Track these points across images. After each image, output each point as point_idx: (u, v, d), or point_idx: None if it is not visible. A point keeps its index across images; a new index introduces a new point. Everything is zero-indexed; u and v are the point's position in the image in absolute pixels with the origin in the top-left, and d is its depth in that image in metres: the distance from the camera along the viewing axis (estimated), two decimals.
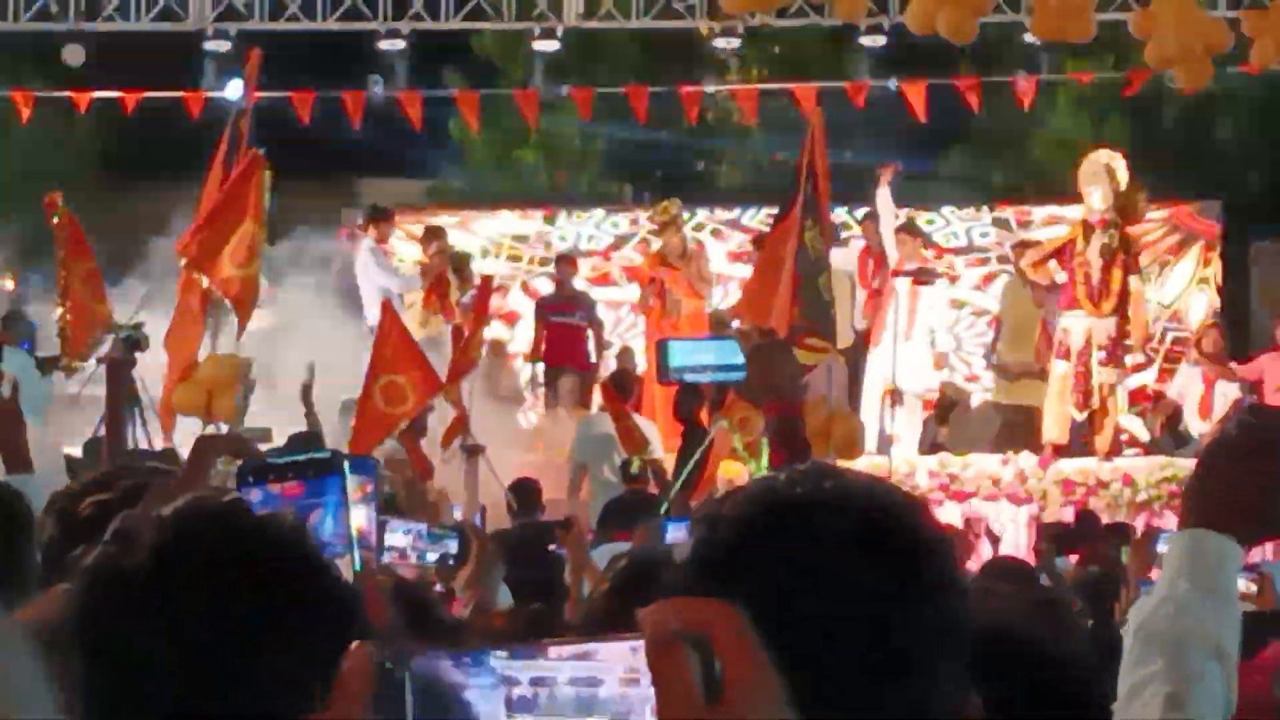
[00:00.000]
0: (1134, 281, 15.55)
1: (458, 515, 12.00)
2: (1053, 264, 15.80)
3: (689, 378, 15.02)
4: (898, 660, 1.70)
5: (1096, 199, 15.43)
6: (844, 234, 18.23)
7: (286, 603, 1.83)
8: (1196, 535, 2.52)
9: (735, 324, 16.87)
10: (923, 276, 16.23)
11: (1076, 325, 15.35)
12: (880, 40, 17.99)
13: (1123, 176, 15.54)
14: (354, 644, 1.56)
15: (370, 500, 2.34)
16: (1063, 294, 15.58)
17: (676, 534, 8.86)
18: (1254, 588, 6.48)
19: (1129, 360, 15.93)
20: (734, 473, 13.55)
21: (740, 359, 14.75)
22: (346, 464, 2.31)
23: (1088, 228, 15.45)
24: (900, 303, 16.17)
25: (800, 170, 14.56)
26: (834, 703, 1.66)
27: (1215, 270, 21.24)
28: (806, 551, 1.72)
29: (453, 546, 5.78)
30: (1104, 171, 15.49)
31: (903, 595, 1.72)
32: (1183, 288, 21.11)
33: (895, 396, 15.76)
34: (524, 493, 12.39)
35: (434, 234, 17.93)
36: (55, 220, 11.70)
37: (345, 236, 19.86)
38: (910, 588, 1.73)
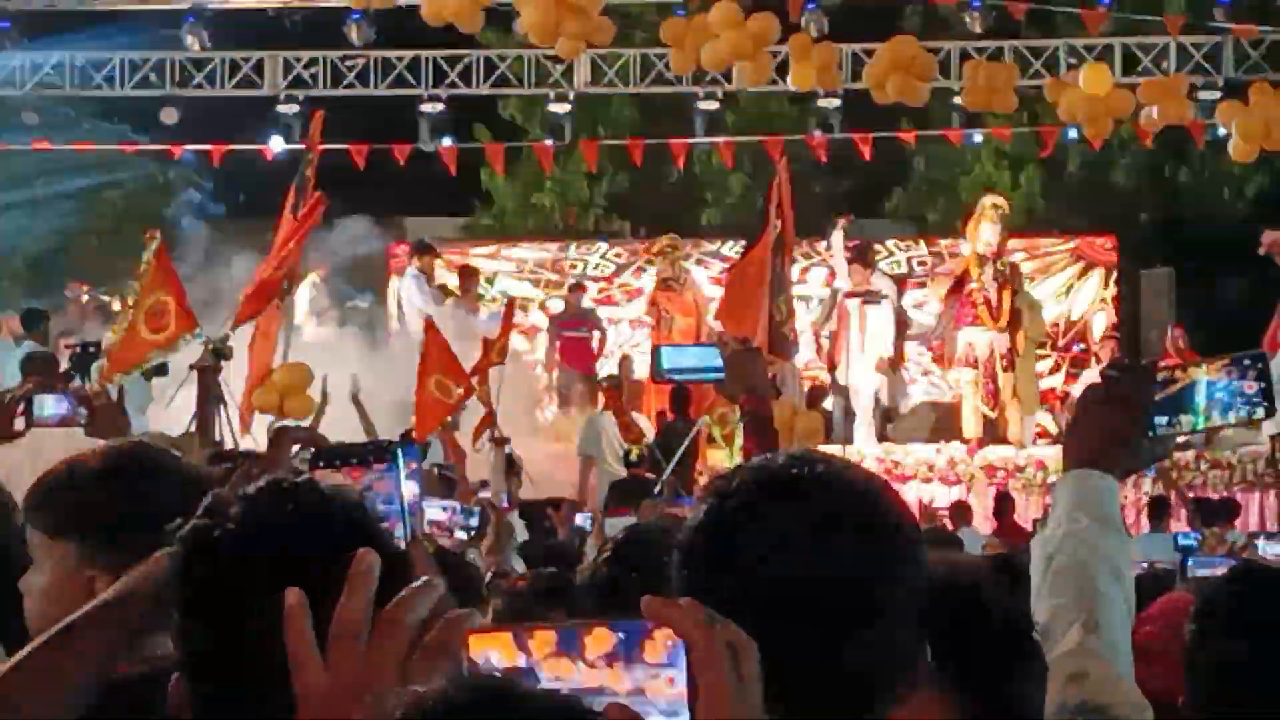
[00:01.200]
0: (1019, 300, 15.63)
1: (485, 496, 11.99)
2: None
3: (677, 378, 15.02)
4: (874, 609, 1.72)
5: (988, 234, 15.44)
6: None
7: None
8: (1079, 474, 2.51)
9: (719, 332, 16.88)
10: (870, 298, 16.21)
11: (979, 339, 15.37)
12: (835, 101, 18.09)
13: (1005, 214, 15.67)
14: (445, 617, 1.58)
15: (415, 475, 2.36)
16: (961, 313, 15.56)
17: (683, 510, 8.85)
18: None
19: (1040, 366, 15.94)
20: (714, 459, 13.54)
21: (719, 362, 14.71)
22: (399, 450, 2.33)
23: (981, 259, 15.44)
24: (852, 320, 16.16)
25: (769, 209, 14.61)
26: (815, 650, 1.67)
27: (1111, 292, 21.23)
28: (803, 522, 1.73)
29: (476, 522, 5.80)
30: (993, 211, 15.52)
31: (880, 557, 1.74)
32: (1086, 307, 21.09)
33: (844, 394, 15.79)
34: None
35: (469, 272, 18.33)
36: (148, 254, 11.25)
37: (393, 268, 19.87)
38: (886, 551, 1.75)
